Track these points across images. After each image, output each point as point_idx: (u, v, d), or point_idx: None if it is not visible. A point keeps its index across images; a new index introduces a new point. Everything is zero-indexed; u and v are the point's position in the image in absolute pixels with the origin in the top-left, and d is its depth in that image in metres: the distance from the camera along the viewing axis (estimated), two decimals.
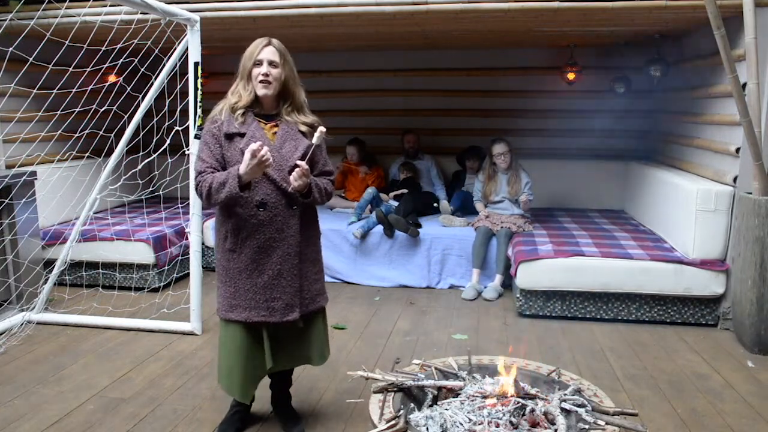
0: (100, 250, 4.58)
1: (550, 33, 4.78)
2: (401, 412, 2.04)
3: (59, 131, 4.48)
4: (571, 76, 5.58)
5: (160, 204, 4.91)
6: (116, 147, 4.08)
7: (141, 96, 3.99)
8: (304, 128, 2.44)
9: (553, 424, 2.00)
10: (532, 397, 2.16)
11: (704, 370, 3.32)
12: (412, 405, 2.18)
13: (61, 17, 3.94)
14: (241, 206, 2.33)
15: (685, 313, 4.00)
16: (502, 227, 4.75)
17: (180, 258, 4.86)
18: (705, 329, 3.93)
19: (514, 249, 4.35)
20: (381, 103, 6.22)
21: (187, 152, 3.84)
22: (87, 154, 4.69)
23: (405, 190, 5.41)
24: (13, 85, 3.79)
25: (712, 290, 3.88)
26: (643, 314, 4.04)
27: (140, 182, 4.62)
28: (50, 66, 3.90)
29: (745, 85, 3.55)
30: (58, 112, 4.16)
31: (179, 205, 4.80)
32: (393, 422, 1.99)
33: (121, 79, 4.24)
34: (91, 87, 4.20)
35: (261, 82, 2.34)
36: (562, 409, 2.07)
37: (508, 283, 4.65)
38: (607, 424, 2.00)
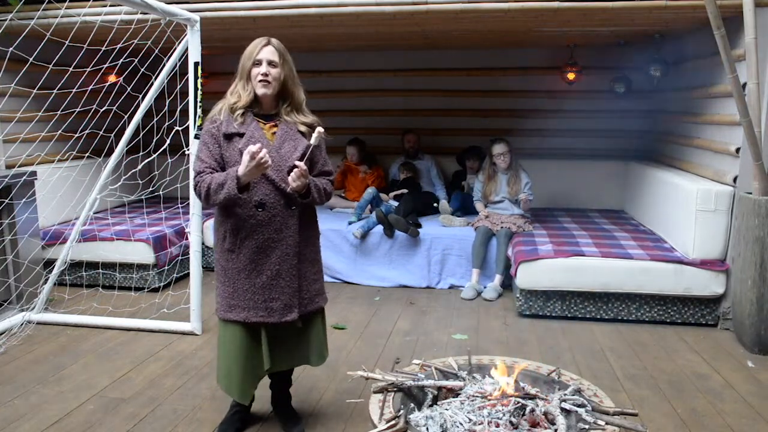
0: (100, 250, 4.58)
1: (550, 33, 4.78)
2: (401, 412, 2.04)
3: (59, 131, 4.48)
4: (571, 76, 5.58)
5: (160, 204, 4.91)
6: (116, 147, 4.08)
7: (141, 96, 3.99)
8: (303, 128, 2.43)
9: (553, 424, 2.00)
10: (532, 397, 2.16)
11: (704, 370, 3.32)
12: (412, 405, 2.18)
13: (61, 17, 3.94)
14: (239, 206, 2.33)
15: (685, 313, 4.00)
16: (502, 227, 4.75)
17: (180, 258, 4.86)
18: (705, 329, 3.93)
19: (514, 249, 4.35)
20: (381, 103, 6.22)
21: (187, 152, 3.85)
22: (87, 154, 4.69)
23: (405, 190, 5.41)
24: (13, 85, 3.80)
25: (712, 290, 3.88)
26: (643, 314, 4.04)
27: (140, 182, 4.62)
28: (50, 66, 3.91)
29: (745, 85, 3.55)
30: (58, 112, 4.16)
31: (179, 205, 4.80)
32: (393, 422, 1.99)
33: (121, 79, 4.24)
34: (91, 87, 4.20)
35: (260, 81, 2.34)
36: (562, 409, 2.07)
37: (507, 283, 4.65)
38: (607, 424, 2.00)
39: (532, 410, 2.04)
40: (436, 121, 6.19)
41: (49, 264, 4.31)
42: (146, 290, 4.59)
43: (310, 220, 2.51)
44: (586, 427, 2.00)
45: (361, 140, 5.79)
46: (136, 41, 3.93)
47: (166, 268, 4.70)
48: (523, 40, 5.29)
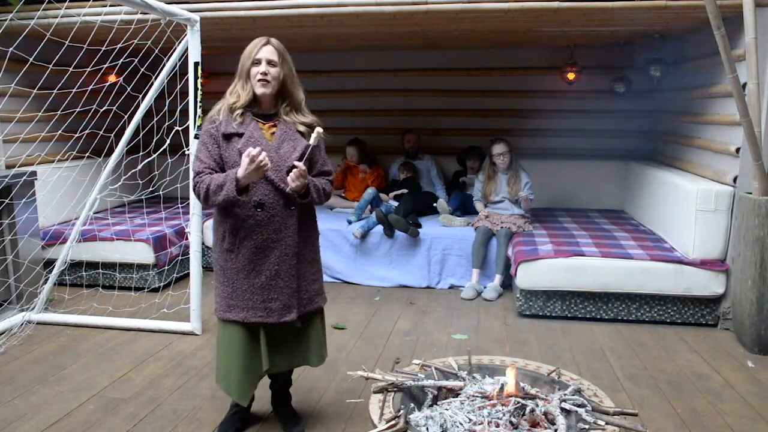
0: (100, 250, 4.58)
1: (550, 33, 4.78)
2: (401, 412, 2.04)
3: (59, 131, 4.48)
4: (571, 76, 5.58)
5: (160, 204, 4.91)
6: (116, 147, 4.08)
7: (141, 96, 3.99)
8: (302, 128, 2.43)
9: (553, 424, 2.00)
10: (532, 397, 2.16)
11: (704, 370, 3.32)
12: (412, 405, 2.18)
13: (61, 17, 3.94)
14: (239, 206, 2.33)
15: (685, 313, 4.00)
16: (502, 227, 4.75)
17: (180, 258, 4.87)
18: (705, 329, 3.93)
19: (514, 249, 4.35)
20: (381, 103, 6.22)
21: (186, 152, 3.85)
22: (87, 154, 4.69)
23: (405, 190, 5.41)
24: (13, 85, 3.80)
25: (712, 290, 3.88)
26: (643, 314, 4.04)
27: (140, 182, 4.62)
28: (50, 66, 3.91)
29: (745, 85, 3.55)
30: (58, 112, 4.16)
31: (179, 205, 4.80)
32: (393, 422, 1.99)
33: (121, 79, 4.24)
34: (91, 87, 4.20)
35: (259, 81, 2.33)
36: (562, 409, 2.07)
37: (507, 283, 4.65)
38: (607, 424, 2.00)
39: (532, 410, 2.04)
40: (436, 121, 6.19)
41: (49, 264, 4.31)
42: (146, 290, 4.59)
43: (310, 220, 2.51)
44: (586, 427, 2.00)
45: (361, 140, 5.79)
46: (136, 41, 3.93)
47: (166, 268, 4.70)
48: (523, 40, 5.29)
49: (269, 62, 2.34)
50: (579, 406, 2.10)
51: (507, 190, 4.95)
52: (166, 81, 3.89)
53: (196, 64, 3.65)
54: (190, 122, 3.70)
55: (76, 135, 4.32)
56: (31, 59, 3.72)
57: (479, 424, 2.01)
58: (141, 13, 3.85)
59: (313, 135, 2.36)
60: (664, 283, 3.92)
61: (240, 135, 2.35)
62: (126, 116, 4.11)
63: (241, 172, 2.22)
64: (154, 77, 3.92)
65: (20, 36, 3.65)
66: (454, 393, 2.24)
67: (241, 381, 2.43)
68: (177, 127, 3.99)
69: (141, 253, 4.59)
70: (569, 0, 3.71)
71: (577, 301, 4.10)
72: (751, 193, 3.57)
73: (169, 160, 4.27)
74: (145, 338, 3.75)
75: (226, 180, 2.26)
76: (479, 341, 3.71)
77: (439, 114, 6.17)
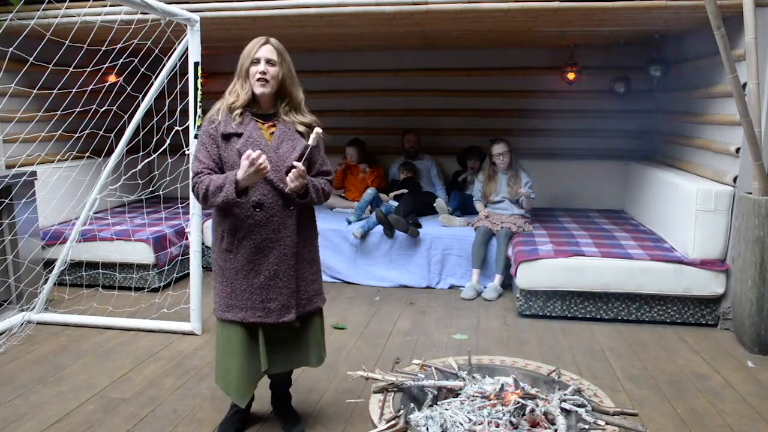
0: (100, 250, 4.58)
1: (550, 33, 4.78)
2: (401, 412, 2.04)
3: (59, 131, 4.48)
4: (571, 76, 5.58)
5: (160, 204, 4.91)
6: (116, 147, 4.08)
7: (141, 96, 3.99)
8: (301, 128, 2.43)
9: (553, 424, 2.00)
10: (532, 397, 2.16)
11: (704, 370, 3.32)
12: (412, 405, 2.18)
13: (61, 17, 3.94)
14: (238, 206, 2.33)
15: (685, 313, 4.00)
16: (502, 227, 4.75)
17: (180, 258, 4.87)
18: (705, 329, 3.93)
19: (514, 249, 4.35)
20: (381, 103, 6.22)
21: (186, 152, 3.85)
22: (87, 154, 4.69)
23: (405, 190, 5.41)
24: (13, 85, 3.80)
25: (712, 290, 3.88)
26: (643, 314, 4.04)
27: (140, 182, 4.62)
28: (50, 66, 3.91)
29: (745, 85, 3.55)
30: (58, 112, 4.16)
31: (179, 205, 4.80)
32: (393, 422, 1.99)
33: (121, 79, 4.24)
34: (91, 87, 4.20)
35: (258, 80, 2.33)
36: (562, 409, 2.07)
37: (507, 283, 4.65)
38: (607, 424, 2.01)
39: (532, 410, 2.04)
40: (436, 121, 6.19)
41: (49, 264, 4.31)
42: (146, 290, 4.59)
43: (309, 220, 2.51)
44: (586, 427, 2.00)
45: (361, 140, 5.79)
46: (136, 41, 3.93)
47: (166, 268, 4.70)
48: (523, 40, 5.30)
49: (268, 61, 2.34)
50: (579, 406, 2.10)
51: (507, 190, 4.95)
52: (166, 81, 3.89)
53: (196, 64, 3.65)
54: (190, 122, 3.70)
55: (76, 135, 4.32)
56: (31, 59, 3.72)
57: (479, 424, 2.01)
58: (141, 13, 3.85)
59: (312, 136, 2.36)
60: (664, 283, 3.92)
61: (239, 135, 2.34)
62: (126, 116, 4.11)
63: (240, 174, 2.22)
64: (154, 77, 3.92)
65: (20, 36, 3.66)
66: (454, 393, 2.24)
67: (240, 381, 2.42)
68: (177, 127, 3.99)
69: (141, 253, 4.59)
70: (569, 0, 3.71)
71: (577, 301, 4.10)
72: (751, 193, 3.57)
73: (169, 160, 4.27)
74: (145, 338, 3.75)
75: (225, 182, 2.26)
76: (479, 341, 3.71)
77: (439, 114, 6.17)
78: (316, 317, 2.56)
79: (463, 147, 5.76)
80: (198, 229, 3.82)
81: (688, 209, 3.93)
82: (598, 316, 4.09)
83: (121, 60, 4.04)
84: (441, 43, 5.52)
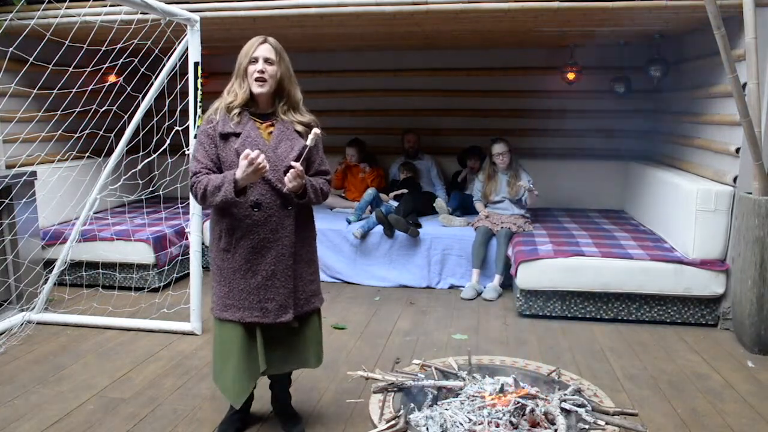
0: (100, 250, 4.58)
1: (550, 33, 4.78)
2: (401, 412, 2.04)
3: (59, 131, 4.48)
4: (571, 76, 5.58)
5: (160, 204, 4.91)
6: (116, 147, 4.08)
7: (141, 96, 3.99)
8: (300, 128, 2.42)
9: (553, 424, 2.00)
10: (532, 397, 2.16)
11: (704, 370, 3.32)
12: (412, 405, 2.18)
13: (61, 17, 3.94)
14: (236, 206, 2.32)
15: (685, 313, 4.00)
16: (502, 227, 4.75)
17: (180, 258, 4.87)
18: (705, 329, 3.93)
19: (514, 249, 4.35)
20: (381, 103, 6.22)
21: (186, 152, 3.84)
22: (87, 154, 4.69)
23: (405, 190, 5.41)
24: (13, 85, 3.80)
25: (712, 290, 3.88)
26: (643, 314, 4.04)
27: (140, 182, 4.62)
28: (50, 66, 3.91)
29: (745, 85, 3.55)
30: (58, 112, 4.16)
31: (179, 205, 4.80)
32: (393, 422, 1.99)
33: (121, 79, 4.24)
34: (91, 87, 4.20)
35: (257, 79, 2.33)
36: (562, 409, 2.07)
37: (507, 283, 4.65)
38: (607, 424, 2.01)
39: (532, 410, 2.04)
40: (436, 121, 6.19)
41: (49, 264, 4.31)
42: (146, 290, 4.59)
43: (307, 220, 2.50)
44: (586, 427, 2.00)
45: (361, 141, 5.79)
46: (136, 41, 3.93)
47: (166, 268, 4.70)
48: (523, 40, 5.29)
49: (266, 60, 2.33)
50: (579, 406, 2.10)
51: (507, 190, 4.95)
52: (166, 81, 3.89)
53: (196, 64, 3.65)
54: (190, 122, 3.70)
55: (76, 135, 4.32)
56: (31, 59, 3.72)
57: (479, 424, 2.01)
58: (141, 13, 3.85)
59: (310, 136, 2.35)
60: (664, 283, 3.92)
61: (237, 135, 2.34)
62: (126, 116, 4.11)
63: (239, 173, 2.22)
64: (154, 77, 3.92)
65: (20, 36, 3.66)
66: (454, 393, 2.24)
67: (236, 381, 2.41)
68: (177, 127, 3.99)
69: (141, 253, 4.59)
70: (569, 0, 3.71)
71: (577, 301, 4.10)
72: (751, 193, 3.57)
73: (169, 160, 4.27)
74: (145, 338, 3.75)
75: (224, 181, 2.25)
76: (479, 341, 3.71)
77: (439, 114, 6.17)
78: (314, 317, 2.55)
79: (463, 147, 5.76)
80: (198, 229, 3.82)
81: (688, 209, 3.93)
82: (598, 316, 4.09)
83: (121, 60, 4.04)
84: (441, 43, 5.52)
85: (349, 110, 6.23)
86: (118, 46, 3.97)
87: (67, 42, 3.73)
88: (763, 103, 3.60)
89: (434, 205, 5.23)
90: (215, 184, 2.27)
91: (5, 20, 4.08)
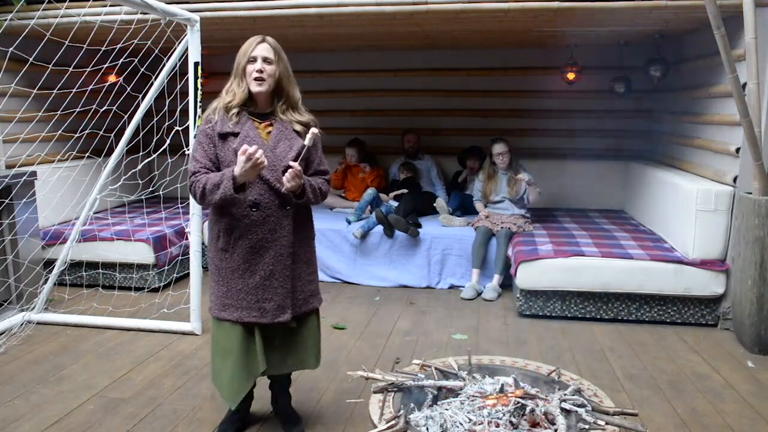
0: (100, 250, 4.58)
1: (550, 33, 4.78)
2: (401, 412, 2.04)
3: (59, 131, 4.48)
4: (571, 76, 5.58)
5: (160, 204, 4.91)
6: (116, 147, 4.08)
7: (141, 96, 3.99)
8: (299, 127, 2.42)
9: (553, 424, 2.00)
10: (532, 397, 2.16)
11: (704, 370, 3.32)
12: (412, 405, 2.18)
13: (61, 17, 3.94)
14: (234, 206, 2.32)
15: (685, 313, 4.00)
16: (502, 227, 4.75)
17: (180, 258, 4.87)
18: (705, 329, 3.93)
19: (514, 249, 4.35)
20: (381, 103, 6.22)
21: (186, 152, 3.84)
22: (87, 154, 4.69)
23: (405, 190, 5.41)
24: (13, 85, 3.80)
25: (712, 290, 3.88)
26: (643, 314, 4.04)
27: (140, 182, 4.62)
28: (50, 66, 3.91)
29: (745, 85, 3.55)
30: (58, 112, 4.16)
31: (179, 205, 4.80)
32: (393, 422, 1.99)
33: (121, 79, 4.24)
34: (91, 87, 4.21)
35: (255, 79, 2.33)
36: (562, 409, 2.07)
37: (507, 283, 4.65)
38: (607, 424, 2.01)
39: (532, 410, 2.04)
40: (436, 121, 6.19)
41: (49, 264, 4.31)
42: (146, 290, 4.59)
43: (306, 220, 2.50)
44: (586, 427, 2.00)
45: (361, 141, 5.79)
46: (136, 41, 3.93)
47: (166, 268, 4.70)
48: (523, 40, 5.29)
49: (265, 60, 2.33)
50: (579, 406, 2.10)
51: (507, 190, 4.95)
52: (166, 81, 3.89)
53: (196, 64, 3.66)
54: (190, 122, 3.71)
55: (76, 135, 4.32)
56: (31, 59, 3.72)
57: (479, 424, 2.01)
58: (141, 13, 3.85)
59: (308, 136, 2.35)
60: (664, 283, 3.92)
61: (236, 134, 2.34)
62: (126, 116, 4.11)
63: (237, 170, 2.21)
64: (154, 77, 3.92)
65: (20, 36, 3.65)
66: (454, 393, 2.24)
67: (234, 380, 2.41)
68: (177, 127, 3.99)
69: (141, 253, 4.59)
70: (569, 0, 3.71)
71: (577, 301, 4.10)
72: (751, 193, 3.57)
73: (169, 160, 4.27)
74: (145, 338, 3.75)
75: (222, 179, 2.25)
76: (479, 341, 3.71)
77: (439, 114, 6.17)
78: (312, 318, 2.55)
79: (463, 147, 5.76)
80: (198, 229, 3.82)
81: (688, 209, 3.93)
82: (598, 316, 4.09)
83: (121, 60, 4.04)
84: (441, 43, 5.52)
85: (349, 110, 6.23)
86: (118, 46, 3.97)
87: (67, 42, 3.73)
88: (763, 103, 3.60)
89: (435, 204, 5.23)
90: (214, 181, 2.27)
91: (5, 20, 4.08)
